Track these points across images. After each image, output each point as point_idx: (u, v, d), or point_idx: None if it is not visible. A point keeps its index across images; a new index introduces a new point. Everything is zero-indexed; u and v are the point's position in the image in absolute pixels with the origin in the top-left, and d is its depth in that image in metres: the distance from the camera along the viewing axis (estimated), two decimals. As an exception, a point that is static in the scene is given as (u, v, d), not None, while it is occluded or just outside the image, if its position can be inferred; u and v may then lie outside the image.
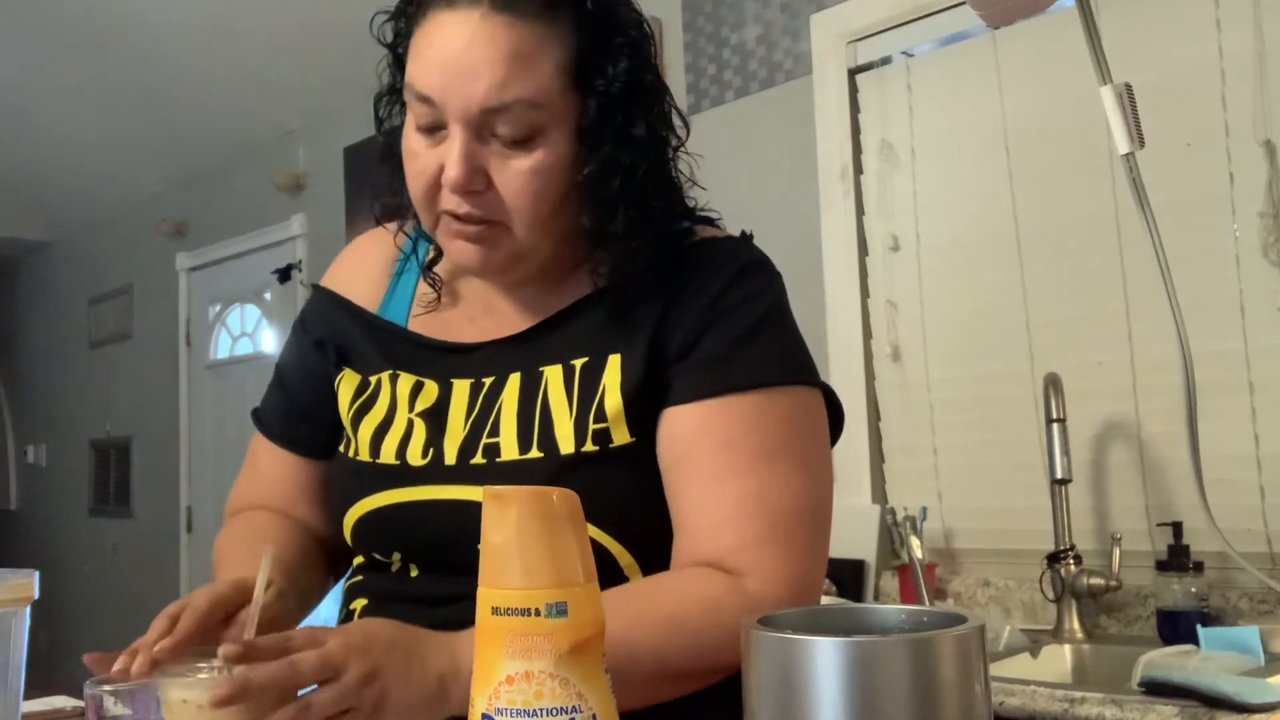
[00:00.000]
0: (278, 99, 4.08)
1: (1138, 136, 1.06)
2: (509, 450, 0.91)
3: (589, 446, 0.90)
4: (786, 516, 0.89)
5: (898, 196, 2.36)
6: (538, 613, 0.58)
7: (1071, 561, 1.94)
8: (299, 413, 1.08)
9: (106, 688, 0.74)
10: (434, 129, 0.89)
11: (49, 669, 4.82)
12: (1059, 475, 1.93)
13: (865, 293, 2.39)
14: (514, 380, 0.95)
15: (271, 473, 1.10)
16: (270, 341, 4.49)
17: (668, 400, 0.91)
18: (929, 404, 2.28)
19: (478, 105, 0.86)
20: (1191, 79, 1.93)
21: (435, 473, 0.93)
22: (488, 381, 0.96)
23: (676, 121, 0.99)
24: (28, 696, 0.86)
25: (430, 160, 0.90)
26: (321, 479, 1.07)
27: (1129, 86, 1.06)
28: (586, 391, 0.92)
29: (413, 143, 0.92)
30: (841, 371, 2.37)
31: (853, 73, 2.44)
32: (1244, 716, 1.27)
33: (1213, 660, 1.54)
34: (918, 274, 2.31)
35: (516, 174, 0.88)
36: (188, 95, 4.26)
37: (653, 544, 0.91)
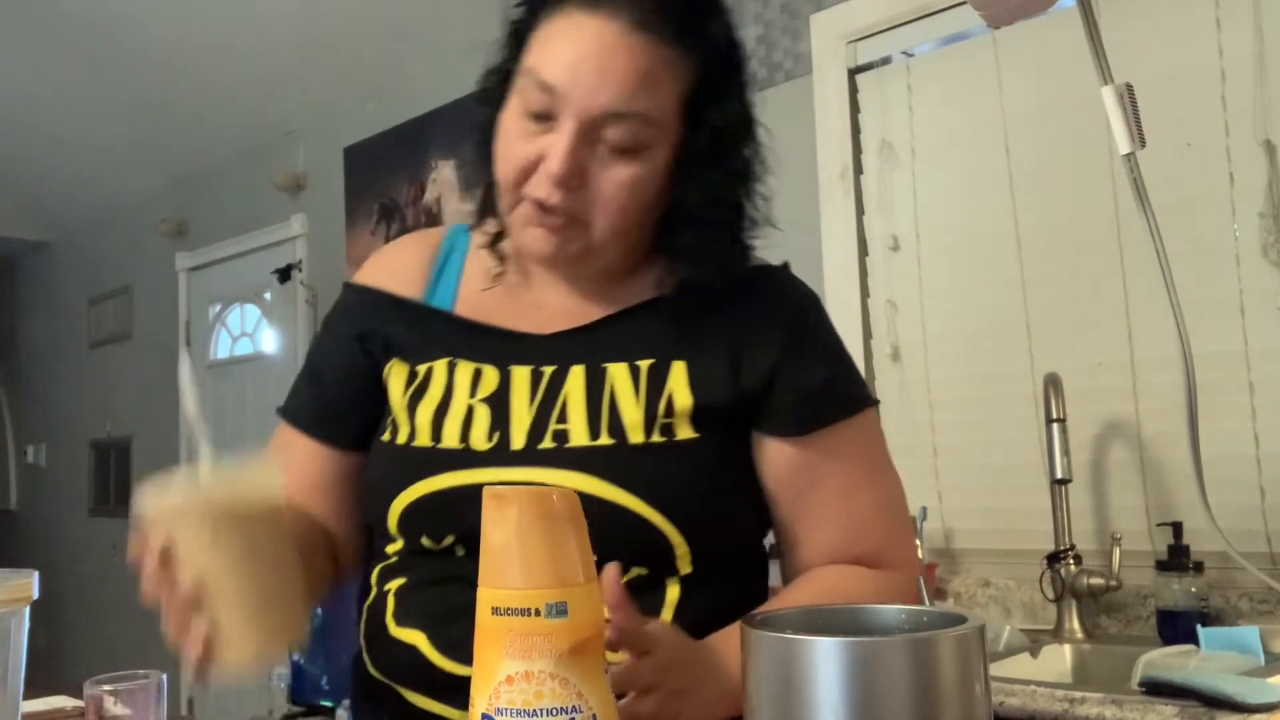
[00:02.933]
0: (278, 99, 4.08)
1: (1138, 136, 1.06)
2: (578, 436, 0.93)
3: (656, 437, 0.93)
4: (899, 515, 1.06)
5: (898, 196, 2.36)
6: (538, 613, 0.58)
7: (1071, 561, 1.94)
8: (331, 404, 1.07)
9: (106, 688, 0.74)
10: (543, 117, 0.92)
11: (49, 669, 4.83)
12: (1059, 475, 1.93)
13: (865, 293, 2.39)
14: (577, 371, 0.97)
15: (293, 463, 1.08)
16: (270, 341, 4.49)
17: (775, 428, 0.98)
18: (929, 404, 2.28)
19: (600, 108, 0.90)
20: (1191, 79, 1.93)
21: (502, 456, 0.94)
22: (548, 370, 0.98)
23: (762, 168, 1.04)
24: (28, 696, 0.86)
25: (531, 147, 0.92)
26: (344, 473, 1.06)
27: (1130, 86, 1.06)
28: (653, 388, 0.95)
29: (515, 125, 0.94)
30: (841, 371, 2.37)
31: (853, 73, 2.44)
32: (1244, 716, 1.27)
33: (1213, 660, 1.54)
34: (918, 274, 2.31)
35: (613, 182, 0.92)
36: (188, 95, 4.26)
37: (707, 532, 0.94)
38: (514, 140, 0.94)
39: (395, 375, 1.02)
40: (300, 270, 4.20)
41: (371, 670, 0.99)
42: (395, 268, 1.09)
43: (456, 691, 0.89)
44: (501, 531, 0.60)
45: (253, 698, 4.01)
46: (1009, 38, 2.16)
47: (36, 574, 0.79)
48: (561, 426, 0.94)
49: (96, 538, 5.51)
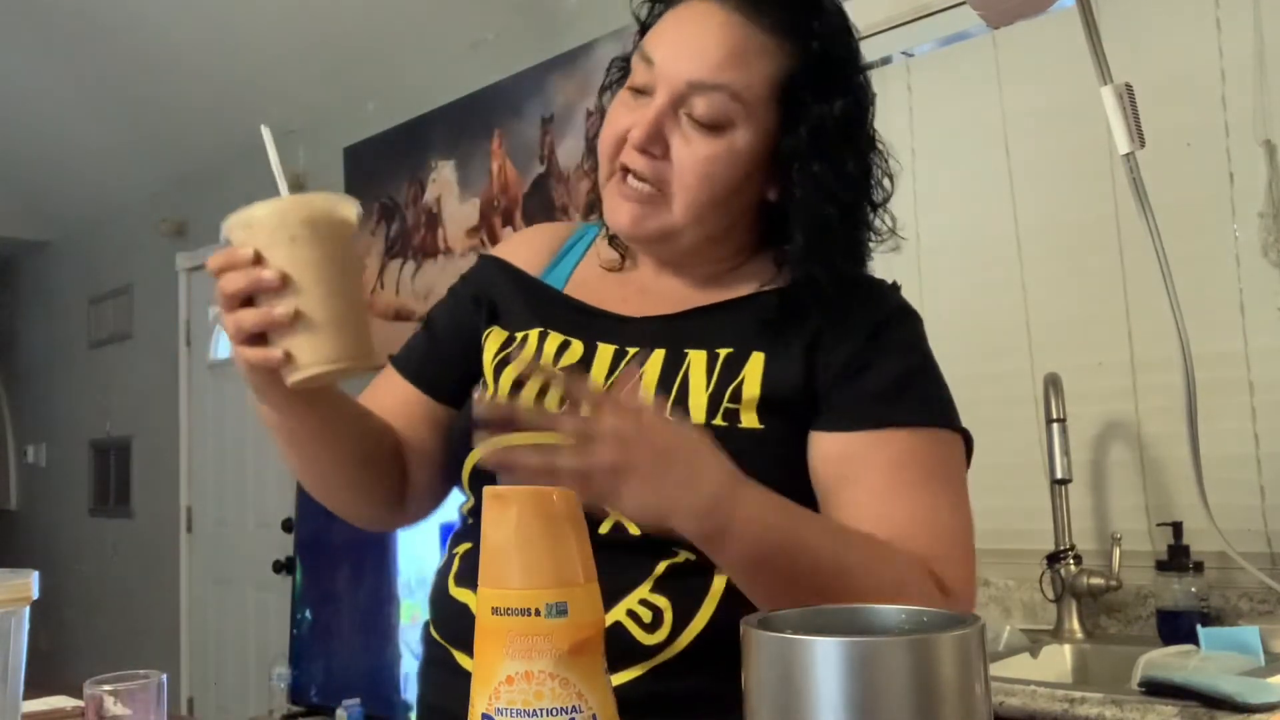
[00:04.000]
0: (278, 99, 4.08)
1: (1138, 136, 1.06)
2: None
3: (718, 421, 0.94)
4: (962, 535, 0.95)
5: (898, 196, 2.35)
6: (538, 613, 0.58)
7: (1071, 561, 1.94)
8: (438, 355, 1.12)
9: (106, 688, 0.74)
10: (644, 91, 0.97)
11: (49, 669, 4.83)
12: (1059, 475, 1.93)
13: (865, 293, 2.39)
14: (658, 354, 0.99)
15: (386, 401, 1.11)
16: (270, 341, 4.49)
17: (828, 422, 0.95)
18: (929, 404, 2.28)
19: (686, 76, 0.95)
20: (1191, 79, 1.93)
21: None
22: (631, 350, 1.00)
23: (884, 179, 1.06)
24: (28, 696, 0.86)
25: (627, 118, 0.97)
26: (434, 420, 1.09)
27: (1129, 86, 1.06)
28: (726, 375, 0.96)
29: (621, 99, 1.00)
30: (841, 371, 2.37)
31: (853, 73, 2.44)
32: (1244, 716, 1.27)
33: (1213, 660, 1.54)
34: (918, 274, 2.31)
35: (693, 154, 0.95)
36: (188, 95, 4.26)
37: None
38: (616, 113, 1.00)
39: (492, 339, 1.06)
40: (300, 270, 4.19)
41: (433, 632, 1.01)
42: (526, 245, 1.16)
43: None
44: (501, 531, 0.60)
45: (253, 698, 4.02)
46: (1009, 38, 2.16)
47: (36, 574, 0.79)
48: None
49: (96, 538, 5.51)
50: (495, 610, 0.59)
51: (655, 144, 0.95)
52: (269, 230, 0.83)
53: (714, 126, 0.95)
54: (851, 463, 0.94)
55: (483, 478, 0.97)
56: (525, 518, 0.60)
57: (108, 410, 5.47)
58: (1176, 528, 1.82)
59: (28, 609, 0.79)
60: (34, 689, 0.89)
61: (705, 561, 0.90)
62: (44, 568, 0.84)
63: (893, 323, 1.02)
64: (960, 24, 2.24)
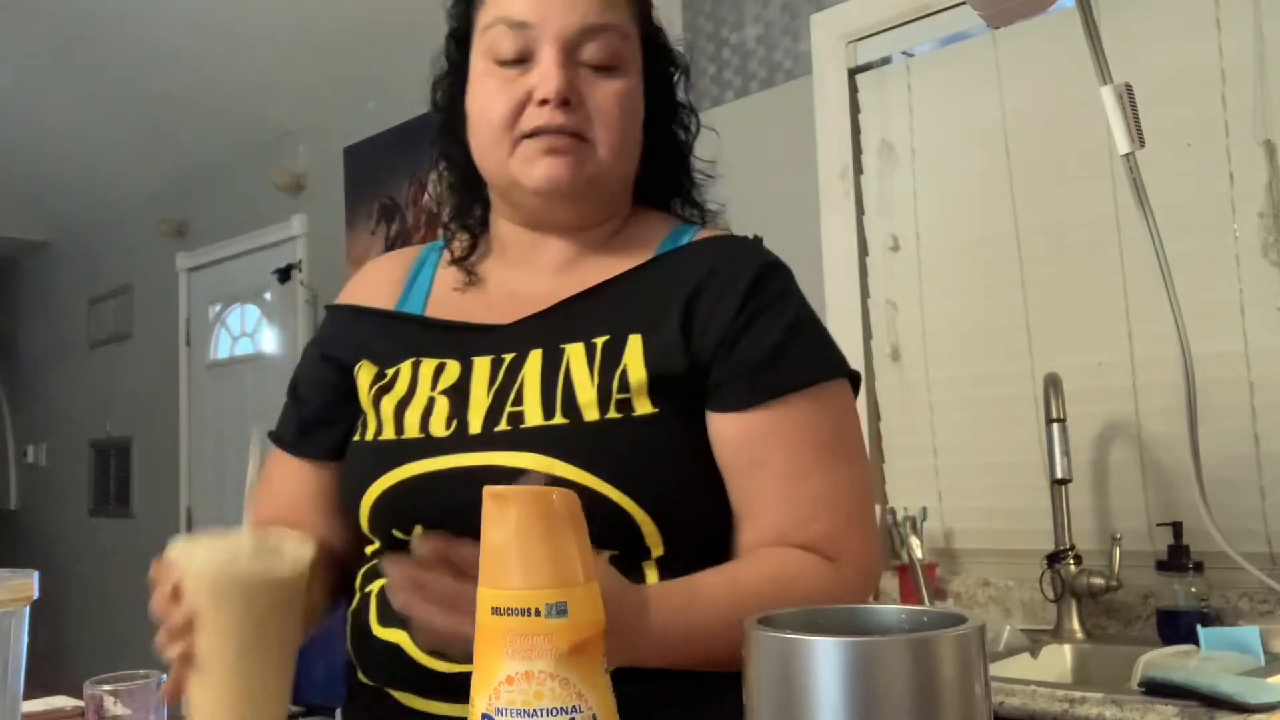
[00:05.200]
0: (278, 99, 4.08)
1: (1138, 136, 1.06)
2: (533, 416, 0.92)
3: (612, 414, 0.92)
4: (858, 505, 0.96)
5: (898, 196, 2.36)
6: (537, 613, 0.58)
7: (1072, 561, 1.94)
8: (309, 420, 1.09)
9: (106, 688, 0.74)
10: (519, 60, 0.96)
11: (49, 669, 4.82)
12: (1059, 475, 1.93)
13: (865, 293, 2.39)
14: (535, 355, 0.96)
15: (286, 486, 1.10)
16: (270, 341, 4.49)
17: (719, 402, 0.94)
18: (929, 404, 2.28)
19: (576, 25, 0.95)
20: (1191, 79, 1.93)
21: (460, 442, 0.93)
22: (508, 357, 0.97)
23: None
24: (28, 696, 0.86)
25: (514, 89, 0.96)
26: (330, 487, 1.06)
27: (1129, 86, 1.06)
28: (608, 364, 0.94)
29: (490, 80, 0.98)
30: (841, 371, 2.37)
31: (853, 73, 2.44)
32: (1244, 716, 1.27)
33: (1213, 660, 1.54)
34: (918, 274, 2.31)
35: (606, 95, 0.96)
36: (188, 95, 4.26)
37: (673, 509, 0.92)
38: (493, 93, 0.97)
39: (364, 373, 1.04)
40: (300, 270, 4.20)
41: (361, 676, 0.98)
42: (370, 282, 1.13)
43: (443, 688, 0.89)
44: (501, 531, 0.60)
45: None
46: (1009, 38, 2.16)
47: (36, 574, 0.79)
48: (517, 409, 0.93)
49: (96, 538, 5.51)
50: (495, 610, 0.59)
51: (572, 93, 0.95)
52: (197, 582, 0.76)
53: (611, 67, 0.97)
54: (750, 446, 0.93)
55: (383, 513, 0.96)
56: (525, 518, 0.60)
57: (108, 410, 5.47)
58: (1176, 528, 1.82)
59: (28, 609, 0.79)
60: (34, 689, 0.89)
61: (630, 556, 0.90)
62: (44, 568, 0.84)
63: (764, 282, 0.98)
64: (960, 24, 2.24)
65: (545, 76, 0.94)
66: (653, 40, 1.04)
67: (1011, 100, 2.18)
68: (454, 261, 1.08)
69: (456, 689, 0.87)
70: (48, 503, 6.09)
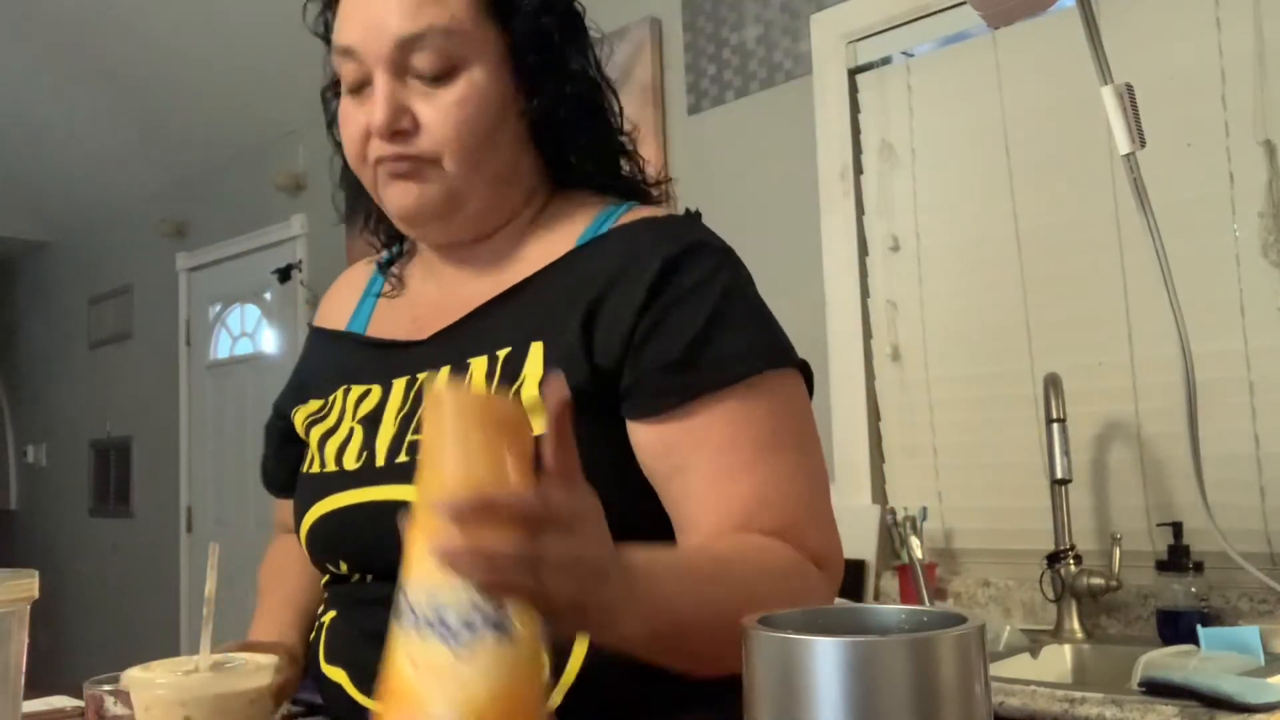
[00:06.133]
0: (278, 99, 4.08)
1: (1138, 136, 1.06)
2: None
3: None
4: (808, 497, 0.86)
5: (898, 196, 2.36)
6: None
7: (1071, 561, 1.94)
8: (282, 458, 1.12)
9: (106, 687, 0.74)
10: (360, 86, 0.92)
11: (49, 669, 4.82)
12: (1059, 475, 1.93)
13: (865, 293, 2.39)
14: (443, 375, 0.91)
15: (286, 518, 1.13)
16: (270, 341, 4.49)
17: (635, 408, 0.86)
18: (929, 404, 2.28)
19: (392, 39, 0.88)
20: (1191, 79, 1.93)
21: (366, 475, 0.91)
22: (421, 377, 0.93)
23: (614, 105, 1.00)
24: (28, 696, 0.86)
25: (360, 117, 0.91)
26: None
27: (1130, 86, 1.06)
28: (507, 380, 0.87)
29: (345, 110, 0.94)
30: (841, 371, 2.37)
31: (853, 73, 2.44)
32: (1244, 716, 1.27)
33: (1213, 660, 1.54)
34: (918, 274, 2.31)
35: (441, 107, 0.89)
36: (188, 95, 4.26)
37: None
38: (347, 122, 0.94)
39: (299, 415, 1.04)
40: (300, 270, 4.20)
41: (320, 699, 0.98)
42: (336, 297, 1.13)
43: None
44: (433, 428, 0.61)
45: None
46: (1009, 38, 2.16)
47: (37, 574, 0.79)
48: (416, 437, 0.87)
49: (96, 538, 5.51)
50: (425, 504, 0.59)
51: (401, 118, 0.89)
52: (156, 704, 0.72)
53: (445, 74, 0.89)
54: (672, 454, 0.84)
55: (313, 546, 0.96)
56: (451, 417, 0.60)
57: (108, 410, 5.48)
58: (1176, 528, 1.82)
59: (28, 609, 0.79)
60: (34, 689, 0.89)
61: None
62: (44, 568, 0.84)
63: (675, 271, 0.87)
64: (960, 24, 2.24)
65: (373, 108, 0.89)
66: (504, 4, 0.92)
67: (1011, 100, 2.18)
68: (380, 269, 1.07)
69: None
70: (48, 503, 6.09)
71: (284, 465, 1.09)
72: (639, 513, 0.86)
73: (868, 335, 2.38)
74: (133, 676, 0.73)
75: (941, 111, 2.30)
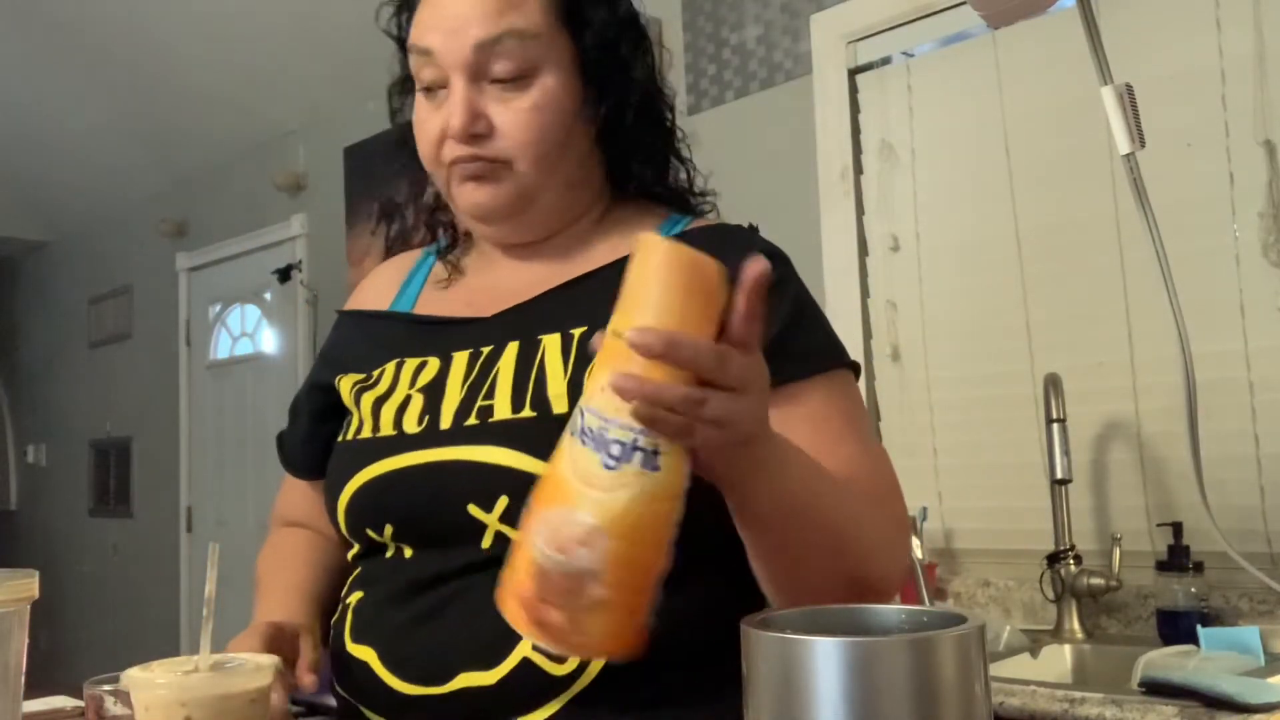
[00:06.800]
0: (278, 99, 4.08)
1: (1138, 136, 1.06)
2: (502, 410, 0.90)
3: None
4: (886, 472, 0.93)
5: (898, 196, 2.36)
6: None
7: (1071, 561, 1.94)
8: (309, 437, 1.10)
9: (106, 687, 0.74)
10: (436, 88, 0.95)
11: (49, 669, 4.83)
12: (1059, 475, 1.93)
13: (865, 293, 2.39)
14: (512, 347, 0.95)
15: (297, 500, 1.13)
16: (270, 341, 4.49)
17: None
18: (929, 404, 2.28)
19: (471, 43, 0.91)
20: (1191, 79, 1.93)
21: (429, 437, 0.92)
22: (485, 350, 0.96)
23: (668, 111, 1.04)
24: (28, 696, 0.86)
25: (436, 120, 0.95)
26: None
27: (1130, 87, 1.06)
28: (584, 357, 0.90)
29: (420, 111, 0.97)
30: (841, 371, 2.37)
31: (853, 73, 2.44)
32: (1244, 716, 1.27)
33: (1213, 660, 1.54)
34: (918, 274, 2.31)
35: (517, 112, 0.93)
36: (188, 95, 4.26)
37: None
38: (423, 122, 0.97)
39: (345, 382, 1.04)
40: (300, 270, 4.20)
41: (337, 688, 0.98)
42: (372, 286, 1.14)
43: (406, 711, 0.88)
44: (637, 272, 0.65)
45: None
46: (1009, 38, 2.16)
47: (37, 574, 0.79)
48: (488, 402, 0.91)
49: (96, 538, 5.51)
50: (615, 333, 0.64)
51: (477, 123, 0.93)
52: (157, 703, 0.73)
53: (521, 77, 0.93)
54: None
55: (357, 513, 0.95)
56: (658, 266, 0.64)
57: (108, 410, 5.48)
58: (1176, 528, 1.82)
59: (28, 609, 0.79)
60: (34, 689, 0.89)
61: None
62: (44, 568, 0.84)
63: None
64: (960, 24, 2.24)
65: (450, 111, 0.93)
66: (577, 14, 0.96)
67: (1011, 100, 2.18)
68: (438, 256, 1.09)
69: (417, 710, 0.87)
70: (48, 503, 6.09)
71: (312, 444, 1.07)
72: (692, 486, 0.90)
73: (868, 335, 2.38)
74: (133, 676, 0.73)
75: (941, 112, 2.30)
